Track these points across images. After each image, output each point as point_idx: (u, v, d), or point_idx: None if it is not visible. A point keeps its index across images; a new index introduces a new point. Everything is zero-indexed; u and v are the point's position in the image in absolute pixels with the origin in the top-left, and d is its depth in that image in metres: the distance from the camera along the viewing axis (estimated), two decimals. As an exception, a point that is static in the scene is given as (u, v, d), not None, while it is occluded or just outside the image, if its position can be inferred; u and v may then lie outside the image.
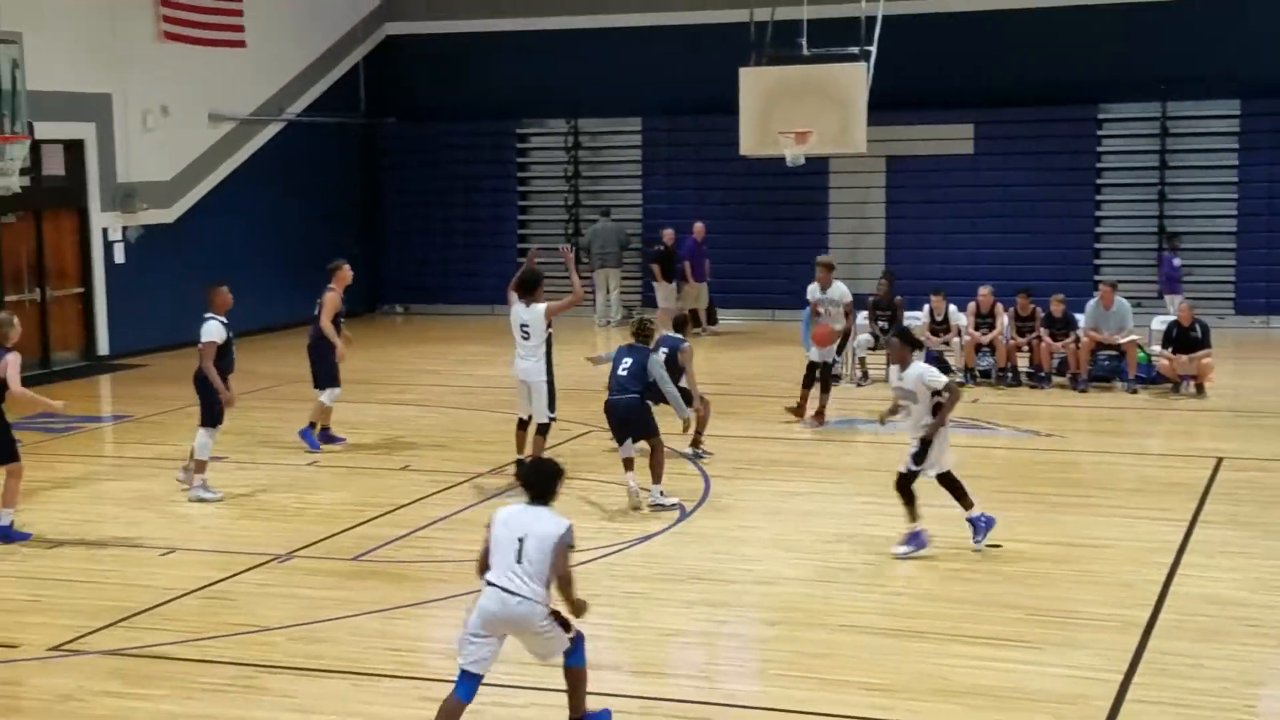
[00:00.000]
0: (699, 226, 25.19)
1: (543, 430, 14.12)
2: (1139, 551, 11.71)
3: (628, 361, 13.34)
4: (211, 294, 14.06)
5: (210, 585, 11.04)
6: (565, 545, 7.73)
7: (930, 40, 25.07)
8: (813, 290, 17.52)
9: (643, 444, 13.31)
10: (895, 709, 8.44)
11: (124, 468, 15.22)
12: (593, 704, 8.38)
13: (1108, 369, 19.48)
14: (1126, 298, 19.83)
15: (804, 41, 21.69)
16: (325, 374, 15.75)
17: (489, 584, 7.66)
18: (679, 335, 15.00)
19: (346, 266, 16.23)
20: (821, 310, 17.37)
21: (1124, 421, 17.43)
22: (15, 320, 12.44)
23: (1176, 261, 23.15)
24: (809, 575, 11.16)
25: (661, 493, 13.15)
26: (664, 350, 14.31)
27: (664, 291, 25.34)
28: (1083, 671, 8.98)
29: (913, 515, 11.49)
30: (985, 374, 19.74)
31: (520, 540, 7.65)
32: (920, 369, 11.70)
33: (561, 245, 16.58)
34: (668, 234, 25.48)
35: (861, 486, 14.02)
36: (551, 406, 14.13)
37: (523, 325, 13.97)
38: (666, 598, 10.72)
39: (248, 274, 24.90)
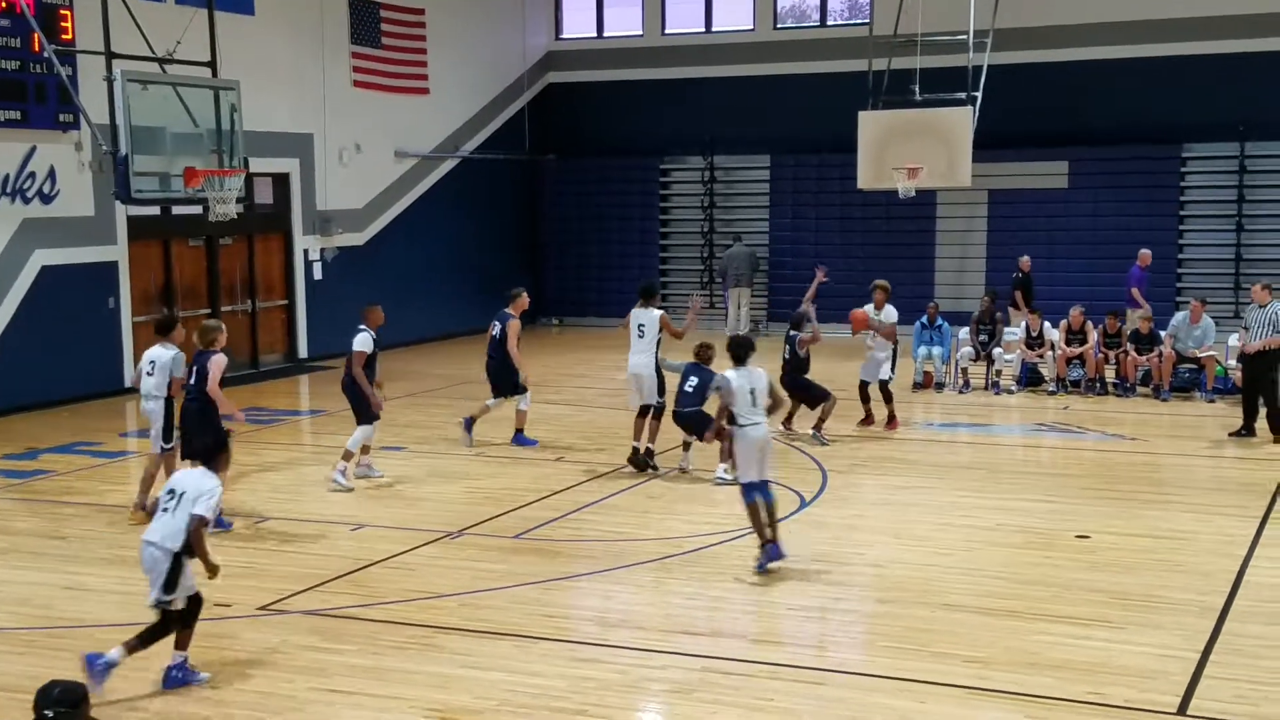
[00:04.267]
0: (1145, 253, 22.15)
1: (656, 414, 14.49)
2: (1216, 544, 11.43)
3: (693, 380, 13.65)
4: (367, 311, 14.00)
5: (393, 557, 11.23)
6: (771, 383, 10.97)
7: (1029, 86, 24.68)
8: (868, 310, 16.92)
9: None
10: (992, 679, 8.33)
11: (320, 455, 15.44)
12: (720, 667, 8.40)
13: (1188, 381, 19.04)
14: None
15: (916, 88, 21.54)
16: (511, 385, 15.72)
17: (750, 424, 10.59)
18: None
19: (524, 295, 16.09)
20: (868, 334, 16.84)
21: (1202, 428, 16.98)
22: (222, 326, 12.64)
23: None
24: (915, 559, 11.06)
25: (725, 470, 13.31)
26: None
27: (1016, 317, 21.45)
28: (1163, 650, 8.80)
29: None
30: (1075, 384, 19.39)
31: (752, 390, 10.62)
32: None
33: (695, 297, 17.00)
34: (1024, 261, 22.67)
35: (962, 482, 13.88)
36: (660, 393, 14.55)
37: (640, 325, 14.85)
38: (788, 576, 10.69)
39: (427, 289, 25.45)
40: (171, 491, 8.32)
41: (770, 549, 10.65)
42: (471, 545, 11.65)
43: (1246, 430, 16.08)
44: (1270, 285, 16.72)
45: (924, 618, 9.53)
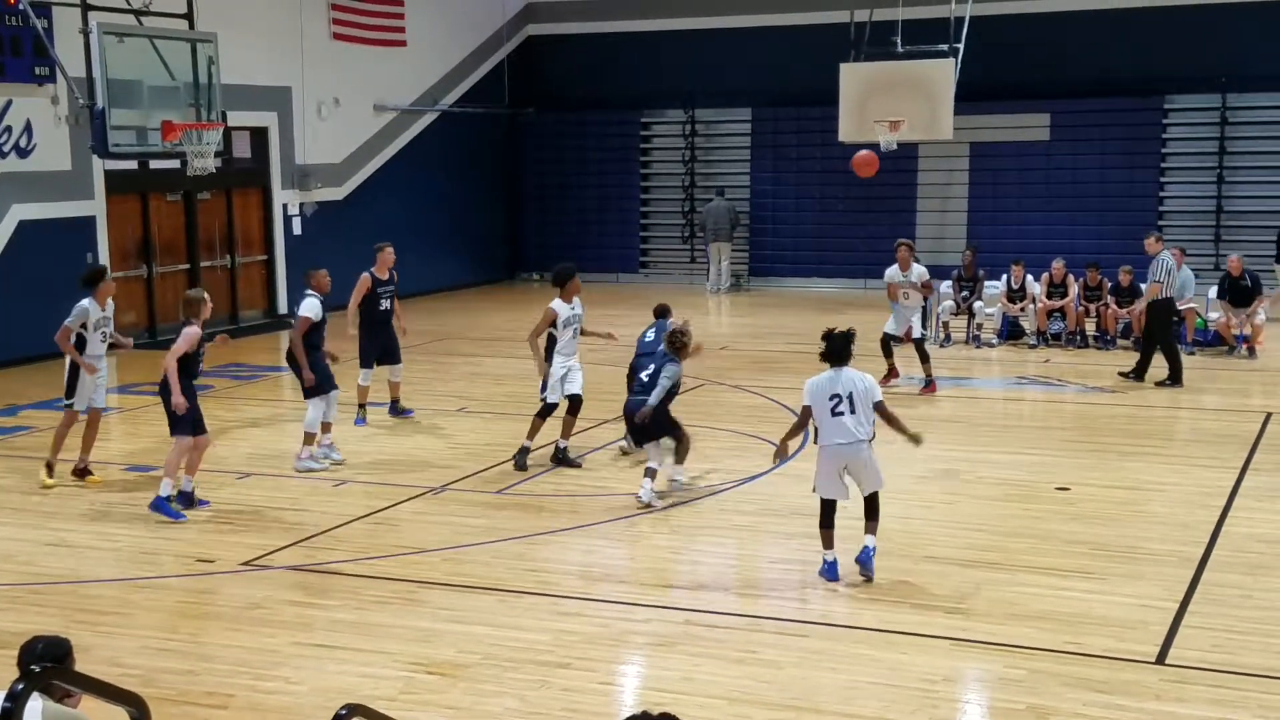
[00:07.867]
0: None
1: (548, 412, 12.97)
2: (1195, 495, 11.52)
3: (651, 368, 11.84)
4: (312, 275, 13.07)
5: (376, 512, 11.25)
6: None
7: (1012, 38, 24.64)
8: (892, 272, 16.39)
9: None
10: (973, 630, 8.40)
11: (302, 410, 15.42)
12: (702, 620, 8.43)
13: (1169, 333, 19.12)
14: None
15: (898, 40, 21.47)
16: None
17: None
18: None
19: (387, 249, 14.78)
20: (900, 292, 16.26)
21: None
22: (206, 297, 11.41)
23: None
24: (896, 512, 11.06)
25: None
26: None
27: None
28: (1143, 600, 8.88)
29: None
30: (1056, 337, 19.47)
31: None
32: None
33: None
34: None
35: (943, 436, 13.90)
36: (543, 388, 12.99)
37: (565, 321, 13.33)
38: (770, 530, 10.74)
39: (405, 244, 25.24)
40: (837, 396, 9.29)
41: None
42: (454, 500, 11.66)
43: (1138, 375, 16.53)
44: (1162, 236, 17.60)
45: (905, 570, 9.59)
